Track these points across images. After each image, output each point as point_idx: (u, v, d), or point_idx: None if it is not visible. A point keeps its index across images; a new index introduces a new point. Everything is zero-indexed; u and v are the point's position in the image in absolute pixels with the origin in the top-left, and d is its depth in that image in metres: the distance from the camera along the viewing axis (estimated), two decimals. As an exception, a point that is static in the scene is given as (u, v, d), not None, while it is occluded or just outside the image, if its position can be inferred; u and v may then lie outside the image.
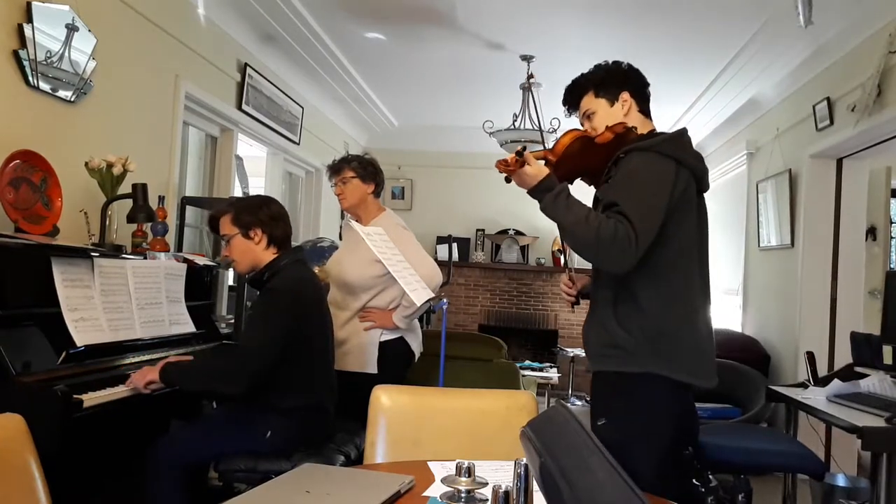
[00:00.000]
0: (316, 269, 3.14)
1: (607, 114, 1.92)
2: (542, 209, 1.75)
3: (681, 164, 1.74)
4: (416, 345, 3.06)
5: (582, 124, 1.99)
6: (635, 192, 1.69)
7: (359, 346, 2.90)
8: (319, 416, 2.41)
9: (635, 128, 1.86)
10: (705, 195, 1.89)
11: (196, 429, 2.39)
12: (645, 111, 1.97)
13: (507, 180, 1.78)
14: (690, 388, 1.78)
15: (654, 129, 1.95)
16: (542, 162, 1.81)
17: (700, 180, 1.80)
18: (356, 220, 3.04)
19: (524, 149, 1.73)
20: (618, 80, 1.93)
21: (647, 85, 1.99)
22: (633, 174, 1.72)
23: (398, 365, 2.97)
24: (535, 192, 1.75)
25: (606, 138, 1.84)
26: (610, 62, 1.99)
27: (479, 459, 1.32)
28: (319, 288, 2.55)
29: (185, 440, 2.31)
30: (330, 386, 2.49)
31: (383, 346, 2.92)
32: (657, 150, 1.74)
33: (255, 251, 2.42)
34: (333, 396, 2.49)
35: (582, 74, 2.00)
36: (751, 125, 5.51)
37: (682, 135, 1.84)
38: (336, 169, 3.03)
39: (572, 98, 2.00)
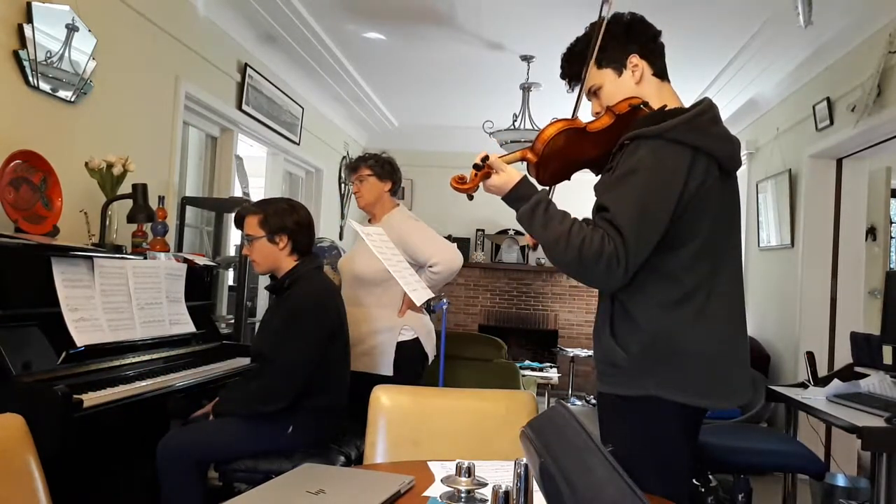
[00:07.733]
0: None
1: (616, 87, 1.61)
2: (518, 220, 1.53)
3: (698, 151, 1.44)
4: (430, 347, 3.06)
5: (589, 101, 1.69)
6: (633, 197, 1.42)
7: (375, 348, 2.92)
8: (337, 415, 2.46)
9: (646, 103, 1.57)
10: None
11: (214, 425, 2.37)
12: (660, 72, 1.63)
13: (470, 198, 1.56)
14: (705, 410, 1.53)
15: (673, 99, 1.62)
16: (522, 163, 1.58)
17: (725, 163, 1.50)
18: (372, 217, 3.11)
19: (486, 158, 1.51)
20: (620, 40, 1.60)
21: (657, 35, 1.63)
22: (633, 171, 1.43)
23: (413, 367, 2.97)
24: (507, 201, 1.54)
25: (605, 123, 1.56)
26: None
27: (479, 459, 1.32)
28: (339, 294, 2.58)
29: (202, 435, 2.31)
30: (346, 385, 2.52)
31: (398, 347, 2.92)
32: (667, 136, 1.43)
33: (277, 256, 2.44)
34: (346, 396, 2.53)
35: (578, 39, 1.67)
36: (751, 125, 5.51)
37: (702, 112, 1.48)
38: (353, 167, 3.07)
39: (571, 69, 1.68)
